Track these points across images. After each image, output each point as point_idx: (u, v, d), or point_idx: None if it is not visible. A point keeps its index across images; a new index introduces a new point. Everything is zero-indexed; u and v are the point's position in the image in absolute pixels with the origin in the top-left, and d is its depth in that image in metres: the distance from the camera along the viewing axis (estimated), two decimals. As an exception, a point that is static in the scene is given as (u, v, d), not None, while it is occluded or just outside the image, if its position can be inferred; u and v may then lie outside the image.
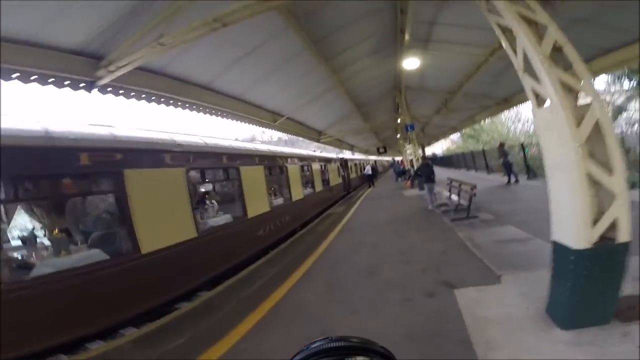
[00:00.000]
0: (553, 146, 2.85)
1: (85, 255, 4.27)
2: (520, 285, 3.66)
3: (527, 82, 2.93)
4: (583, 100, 2.69)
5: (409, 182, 17.78)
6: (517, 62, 3.00)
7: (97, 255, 4.34)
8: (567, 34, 2.70)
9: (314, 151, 16.54)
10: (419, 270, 4.77)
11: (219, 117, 8.66)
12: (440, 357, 2.67)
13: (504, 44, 3.14)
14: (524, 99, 12.81)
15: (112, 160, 4.48)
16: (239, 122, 9.82)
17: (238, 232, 7.05)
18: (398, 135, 23.44)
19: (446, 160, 34.81)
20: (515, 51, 3.00)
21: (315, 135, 16.30)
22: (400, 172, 26.80)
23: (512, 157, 12.85)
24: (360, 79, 11.75)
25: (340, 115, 15.60)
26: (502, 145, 13.01)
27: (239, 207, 7.49)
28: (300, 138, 17.07)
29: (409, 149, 16.45)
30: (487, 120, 35.59)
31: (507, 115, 34.64)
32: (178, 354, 3.39)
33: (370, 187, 21.12)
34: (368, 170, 22.81)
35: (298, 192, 11.07)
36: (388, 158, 53.02)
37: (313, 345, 0.50)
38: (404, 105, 14.79)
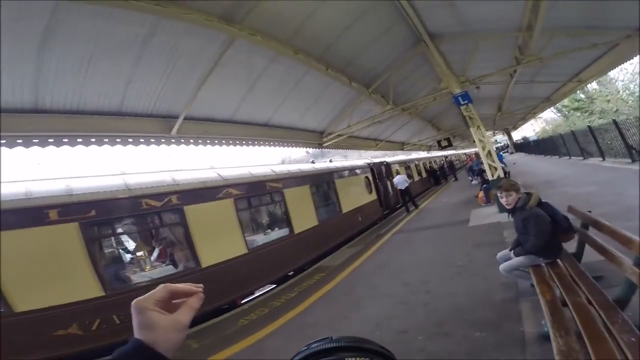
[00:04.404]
0: None
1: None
2: None
3: None
4: None
5: (481, 193, 10.68)
6: None
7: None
8: None
9: (313, 162, 11.11)
10: None
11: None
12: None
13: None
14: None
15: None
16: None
17: None
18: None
19: (543, 145, 25.11)
20: None
21: (313, 138, 10.85)
22: (470, 170, 19.27)
23: None
24: (331, 35, 6.34)
25: (342, 104, 9.98)
26: None
27: None
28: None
29: (477, 135, 9.16)
30: (592, 86, 24.11)
31: (624, 68, 22.75)
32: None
33: (414, 207, 13.20)
34: (399, 182, 13.13)
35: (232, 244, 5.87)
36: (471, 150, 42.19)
37: (313, 345, 0.51)
38: (441, 63, 8.38)
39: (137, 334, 0.49)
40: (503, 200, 3.23)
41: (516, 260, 3.20)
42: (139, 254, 5.36)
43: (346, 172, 11.64)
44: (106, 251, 4.97)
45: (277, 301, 5.66)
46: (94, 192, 4.94)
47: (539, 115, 31.00)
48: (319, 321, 4.32)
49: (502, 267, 3.29)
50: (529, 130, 45.24)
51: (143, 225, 5.34)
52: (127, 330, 3.80)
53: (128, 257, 5.23)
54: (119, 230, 5.22)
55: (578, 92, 24.22)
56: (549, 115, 38.80)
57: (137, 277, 5.05)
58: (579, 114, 27.90)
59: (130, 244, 5.40)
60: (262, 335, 4.31)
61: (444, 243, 6.85)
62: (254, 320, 5.00)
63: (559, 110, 34.80)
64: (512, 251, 3.33)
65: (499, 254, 3.56)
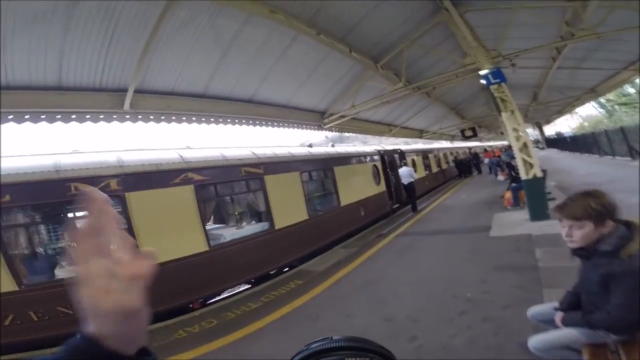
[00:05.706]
0: None
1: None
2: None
3: None
4: None
5: (508, 193, 8.92)
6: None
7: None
8: None
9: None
10: None
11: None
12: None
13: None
14: None
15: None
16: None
17: None
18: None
19: (582, 142, 22.60)
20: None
21: (313, 119, 9.54)
22: (497, 164, 17.54)
23: None
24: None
25: (345, 80, 8.58)
26: None
27: None
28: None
29: (510, 122, 7.17)
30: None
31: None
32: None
33: (414, 209, 11.13)
34: (404, 175, 11.35)
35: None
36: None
37: (313, 345, 0.49)
38: (467, 35, 6.77)
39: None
40: (565, 233, 1.71)
41: (567, 335, 1.78)
42: (62, 246, 4.44)
43: (350, 159, 10.31)
44: (22, 242, 4.09)
45: (233, 312, 4.66)
46: (11, 173, 4.02)
47: (575, 110, 27.94)
48: (262, 354, 3.30)
49: (536, 342, 1.86)
50: (564, 126, 41.61)
51: (70, 213, 4.38)
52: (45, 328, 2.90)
53: (49, 249, 4.34)
54: (40, 218, 4.29)
55: (625, 85, 21.43)
56: (586, 111, 35.21)
57: (59, 272, 4.19)
58: (625, 109, 24.85)
59: (54, 235, 4.50)
60: (187, 357, 3.37)
61: (454, 258, 5.51)
62: (195, 334, 4.12)
63: (602, 105, 31.44)
64: (560, 313, 1.86)
65: (532, 310, 2.12)
